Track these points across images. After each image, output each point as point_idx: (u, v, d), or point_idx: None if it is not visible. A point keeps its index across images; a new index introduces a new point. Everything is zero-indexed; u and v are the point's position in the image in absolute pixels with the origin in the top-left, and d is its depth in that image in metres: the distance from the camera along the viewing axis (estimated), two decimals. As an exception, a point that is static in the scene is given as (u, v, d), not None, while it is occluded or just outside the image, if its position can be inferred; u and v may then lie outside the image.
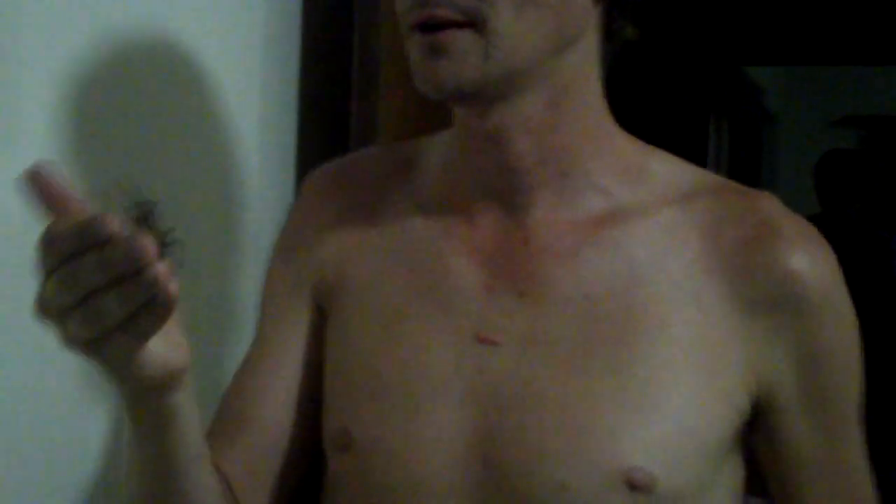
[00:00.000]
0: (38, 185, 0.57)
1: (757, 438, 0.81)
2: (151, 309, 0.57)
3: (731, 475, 0.82)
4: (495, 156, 0.79)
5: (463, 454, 0.77)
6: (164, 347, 0.63)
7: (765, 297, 0.78)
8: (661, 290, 0.78)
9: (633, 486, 0.74)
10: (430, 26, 0.73)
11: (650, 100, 3.52)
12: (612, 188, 0.81)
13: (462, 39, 0.73)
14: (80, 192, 0.57)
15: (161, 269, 0.55)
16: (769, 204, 0.81)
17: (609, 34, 0.81)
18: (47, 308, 0.58)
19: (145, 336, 0.59)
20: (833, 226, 3.56)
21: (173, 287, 0.56)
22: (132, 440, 0.71)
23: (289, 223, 0.91)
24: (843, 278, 0.80)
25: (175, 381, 0.65)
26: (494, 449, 0.77)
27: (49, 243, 0.56)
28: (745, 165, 4.67)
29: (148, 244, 0.54)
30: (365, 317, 0.83)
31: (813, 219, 2.91)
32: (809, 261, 0.78)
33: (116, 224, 0.55)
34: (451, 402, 0.78)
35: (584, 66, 0.79)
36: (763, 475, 0.84)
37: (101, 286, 0.55)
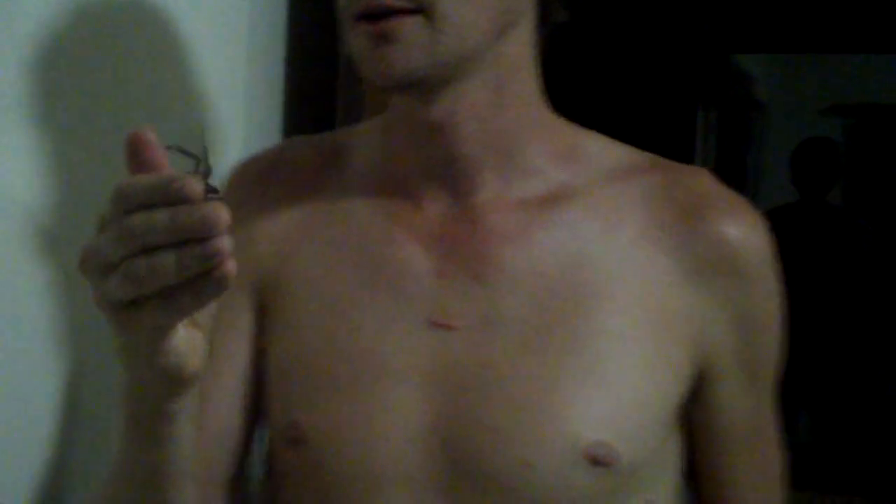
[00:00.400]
0: (137, 148, 0.56)
1: (694, 409, 0.83)
2: (201, 283, 0.55)
3: (676, 451, 0.84)
4: (441, 142, 0.81)
5: (423, 439, 0.78)
6: (187, 347, 0.62)
7: (704, 265, 0.80)
8: (610, 265, 0.80)
9: (596, 461, 0.76)
10: (376, 15, 0.73)
11: (637, 90, 3.52)
12: (551, 170, 0.83)
13: (411, 25, 0.73)
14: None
15: (228, 243, 0.54)
16: (703, 178, 0.84)
17: (543, 18, 0.82)
18: (93, 260, 0.56)
19: (182, 312, 0.57)
20: (811, 213, 3.61)
21: (231, 266, 0.55)
22: (123, 444, 0.70)
23: None
24: (777, 250, 0.83)
25: (184, 387, 0.64)
26: (454, 432, 0.78)
27: (122, 193, 0.55)
28: (733, 154, 4.67)
29: (225, 216, 0.53)
30: (313, 309, 0.83)
31: (792, 206, 2.94)
32: (742, 229, 0.81)
33: (198, 188, 0.54)
34: (409, 389, 0.79)
35: (522, 50, 0.81)
36: (692, 452, 0.86)
37: (161, 245, 0.54)
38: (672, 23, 3.61)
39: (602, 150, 0.86)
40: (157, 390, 0.64)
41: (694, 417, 0.84)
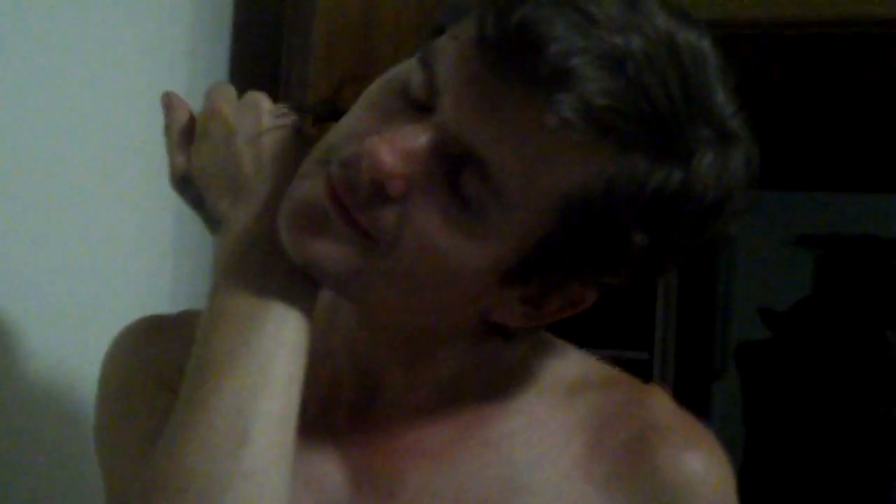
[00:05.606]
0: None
1: None
2: None
3: None
4: (363, 343, 0.76)
5: None
6: None
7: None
8: (540, 498, 0.73)
9: None
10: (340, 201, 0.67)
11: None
12: (488, 388, 0.77)
13: (349, 237, 0.67)
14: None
15: None
16: (658, 402, 0.76)
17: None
18: None
19: None
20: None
21: None
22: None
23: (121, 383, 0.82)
24: (734, 485, 0.74)
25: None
26: None
27: None
28: (698, 288, 4.63)
29: None
30: None
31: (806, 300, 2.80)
32: (698, 466, 0.73)
33: None
34: None
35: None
36: None
37: None
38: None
39: (553, 365, 0.78)
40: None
41: None
